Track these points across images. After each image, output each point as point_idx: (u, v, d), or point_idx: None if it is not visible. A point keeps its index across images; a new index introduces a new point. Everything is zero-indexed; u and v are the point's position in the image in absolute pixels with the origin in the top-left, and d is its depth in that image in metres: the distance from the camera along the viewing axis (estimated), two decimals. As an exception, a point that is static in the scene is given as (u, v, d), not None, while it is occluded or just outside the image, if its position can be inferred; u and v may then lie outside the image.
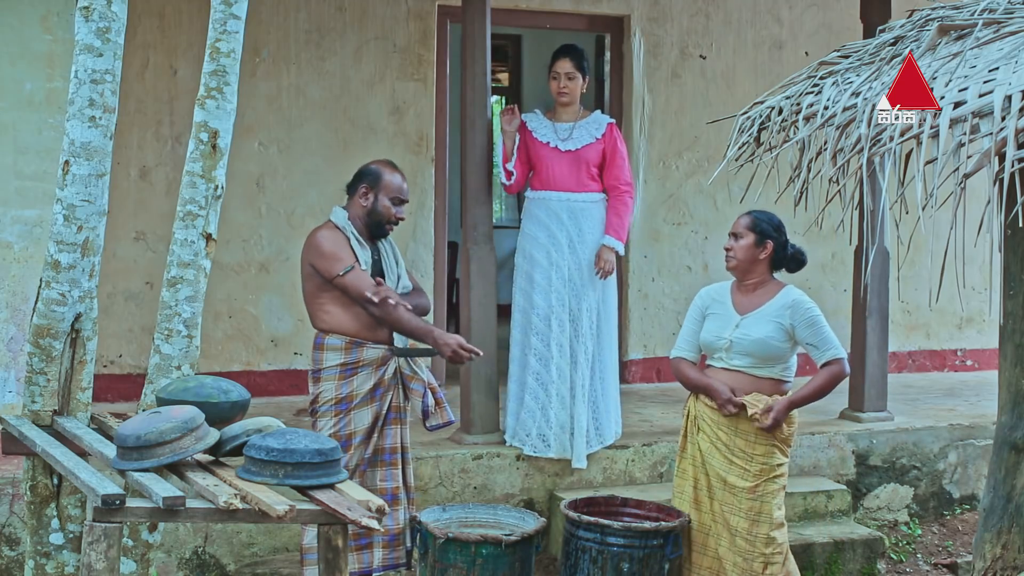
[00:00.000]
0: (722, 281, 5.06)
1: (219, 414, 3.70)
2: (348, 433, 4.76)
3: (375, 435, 4.82)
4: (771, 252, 4.85)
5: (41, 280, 3.96)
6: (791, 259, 4.92)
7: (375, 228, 4.88)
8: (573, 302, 5.91)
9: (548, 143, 6.00)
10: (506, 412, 6.03)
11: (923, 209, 3.52)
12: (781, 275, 4.98)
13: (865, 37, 6.17)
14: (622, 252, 6.07)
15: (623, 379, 7.53)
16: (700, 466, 4.88)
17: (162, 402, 3.72)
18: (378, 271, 4.90)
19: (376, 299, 4.69)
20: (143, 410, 3.87)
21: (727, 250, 4.90)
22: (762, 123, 4.56)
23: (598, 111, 6.22)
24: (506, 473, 5.91)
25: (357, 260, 4.77)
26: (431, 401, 4.85)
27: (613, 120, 6.18)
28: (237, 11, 3.93)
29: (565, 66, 6.00)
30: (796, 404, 4.81)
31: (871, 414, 6.70)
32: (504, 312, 6.04)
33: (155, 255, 6.68)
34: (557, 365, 5.86)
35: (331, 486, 3.44)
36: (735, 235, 4.88)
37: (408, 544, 4.90)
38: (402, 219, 4.95)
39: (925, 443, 6.66)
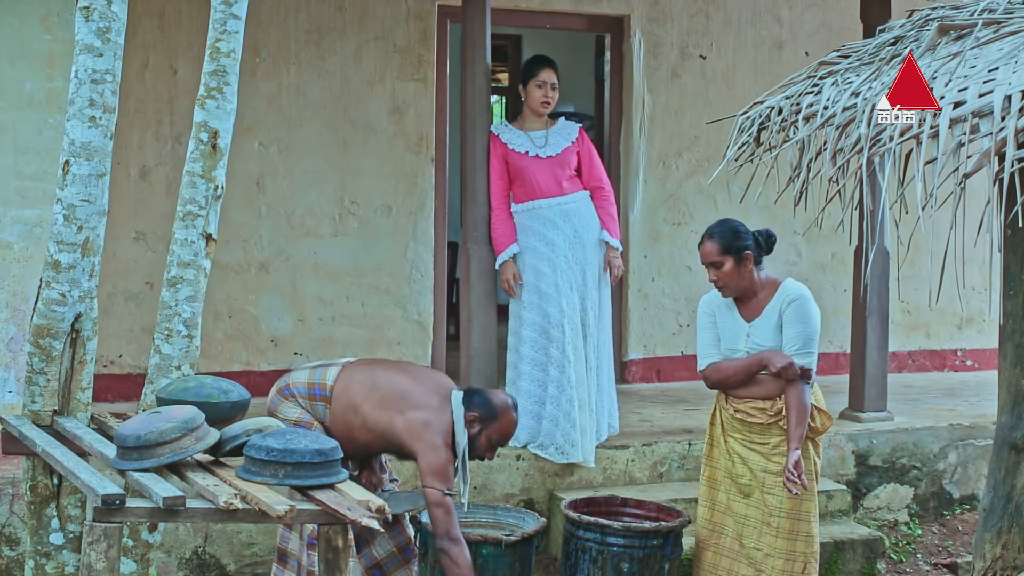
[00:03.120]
0: None
1: (219, 414, 3.71)
2: None
3: None
4: (753, 258, 4.77)
5: (41, 280, 3.96)
6: (766, 247, 4.81)
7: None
8: (579, 303, 5.92)
9: (527, 152, 6.00)
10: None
11: (923, 209, 3.51)
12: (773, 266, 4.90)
13: (865, 37, 6.17)
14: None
15: (623, 379, 7.53)
16: (730, 471, 4.81)
17: (162, 402, 3.73)
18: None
19: (455, 543, 4.37)
20: (143, 410, 3.87)
21: (714, 282, 4.77)
22: (762, 123, 4.55)
23: (562, 118, 6.24)
24: (506, 473, 5.91)
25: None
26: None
27: (582, 124, 6.23)
28: (237, 11, 3.94)
29: (551, 76, 6.02)
30: (801, 439, 4.61)
31: (871, 414, 6.69)
32: (503, 312, 6.03)
33: (155, 255, 6.68)
34: (575, 368, 5.83)
35: (331, 486, 3.44)
36: (713, 265, 4.74)
37: None
38: (491, 458, 4.66)
39: (925, 443, 6.65)
